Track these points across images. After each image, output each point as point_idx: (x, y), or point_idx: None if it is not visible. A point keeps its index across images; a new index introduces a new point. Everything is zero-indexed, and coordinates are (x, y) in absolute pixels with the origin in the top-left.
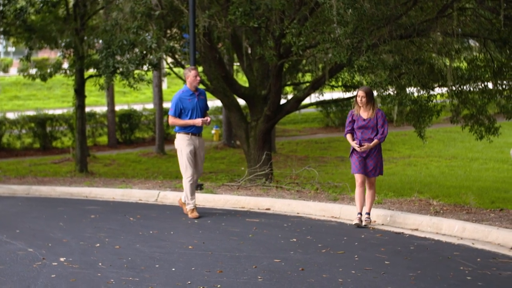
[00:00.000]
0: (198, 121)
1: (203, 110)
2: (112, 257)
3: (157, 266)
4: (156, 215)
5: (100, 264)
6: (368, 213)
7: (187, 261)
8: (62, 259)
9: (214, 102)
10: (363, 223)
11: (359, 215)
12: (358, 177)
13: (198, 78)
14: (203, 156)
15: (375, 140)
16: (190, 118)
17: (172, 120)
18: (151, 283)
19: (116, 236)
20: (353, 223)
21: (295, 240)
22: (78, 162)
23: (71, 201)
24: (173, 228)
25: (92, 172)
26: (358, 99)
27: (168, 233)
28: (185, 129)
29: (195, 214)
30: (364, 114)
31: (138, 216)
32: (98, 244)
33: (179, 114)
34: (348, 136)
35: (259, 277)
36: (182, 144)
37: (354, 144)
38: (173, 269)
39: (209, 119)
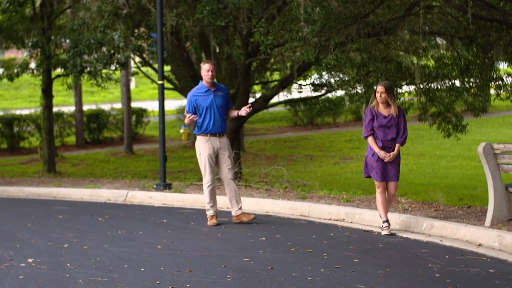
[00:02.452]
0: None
1: (221, 108)
2: (80, 258)
3: (126, 266)
4: (124, 215)
5: (68, 264)
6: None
7: (156, 261)
8: (30, 260)
9: (182, 101)
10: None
11: (386, 224)
12: (379, 184)
13: (210, 73)
14: (229, 159)
15: (397, 145)
16: (204, 117)
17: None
18: (120, 284)
19: (84, 236)
20: (383, 234)
21: (264, 238)
22: (46, 162)
23: (39, 202)
24: (141, 228)
25: (60, 172)
26: (378, 95)
27: (137, 233)
28: (203, 130)
29: (214, 221)
30: (385, 111)
31: (107, 216)
32: (66, 245)
33: (193, 112)
34: (371, 140)
35: (228, 276)
36: (201, 147)
37: (380, 152)
38: (142, 269)
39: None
